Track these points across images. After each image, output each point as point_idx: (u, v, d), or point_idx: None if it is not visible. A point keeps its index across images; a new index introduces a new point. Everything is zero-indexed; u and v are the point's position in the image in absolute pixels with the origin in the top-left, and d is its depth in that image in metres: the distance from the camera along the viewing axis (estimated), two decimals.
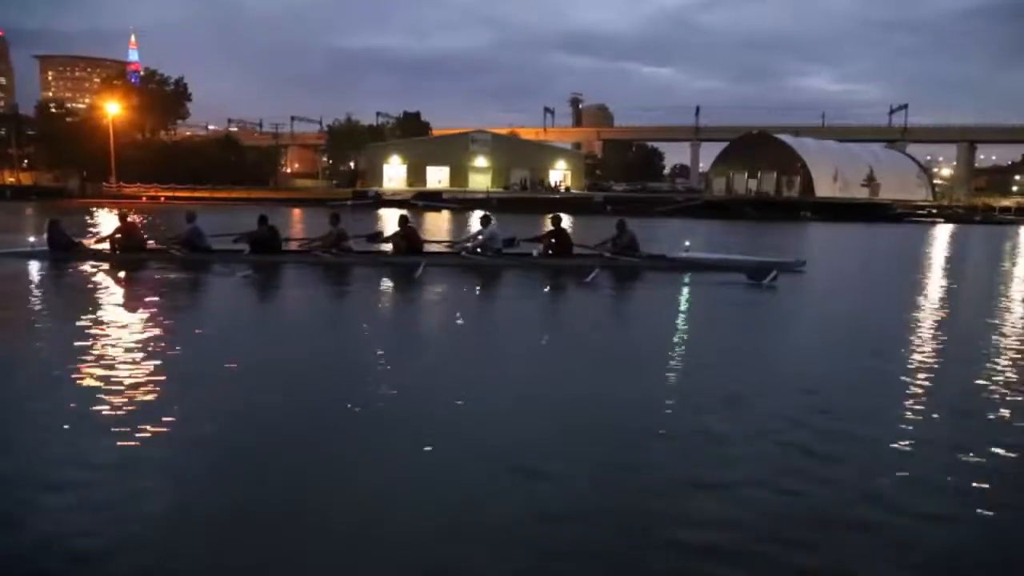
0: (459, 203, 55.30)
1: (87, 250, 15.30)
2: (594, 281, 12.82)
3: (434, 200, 57.71)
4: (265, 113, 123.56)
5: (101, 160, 68.21)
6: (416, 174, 78.26)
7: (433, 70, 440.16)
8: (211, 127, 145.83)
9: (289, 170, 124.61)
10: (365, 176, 79.94)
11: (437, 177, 78.50)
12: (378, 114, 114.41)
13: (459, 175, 78.49)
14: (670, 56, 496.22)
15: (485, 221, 15.66)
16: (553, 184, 77.34)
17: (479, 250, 15.08)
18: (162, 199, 60.37)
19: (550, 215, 15.72)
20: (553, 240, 14.94)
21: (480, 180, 77.56)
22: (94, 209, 41.79)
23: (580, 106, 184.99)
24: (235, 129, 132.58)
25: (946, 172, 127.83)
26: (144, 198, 61.02)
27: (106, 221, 29.78)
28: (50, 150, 71.46)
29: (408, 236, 15.15)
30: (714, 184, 79.24)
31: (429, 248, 15.52)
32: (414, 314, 10.57)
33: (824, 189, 68.90)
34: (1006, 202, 66.81)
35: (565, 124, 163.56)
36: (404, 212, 17.25)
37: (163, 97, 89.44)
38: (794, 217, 52.06)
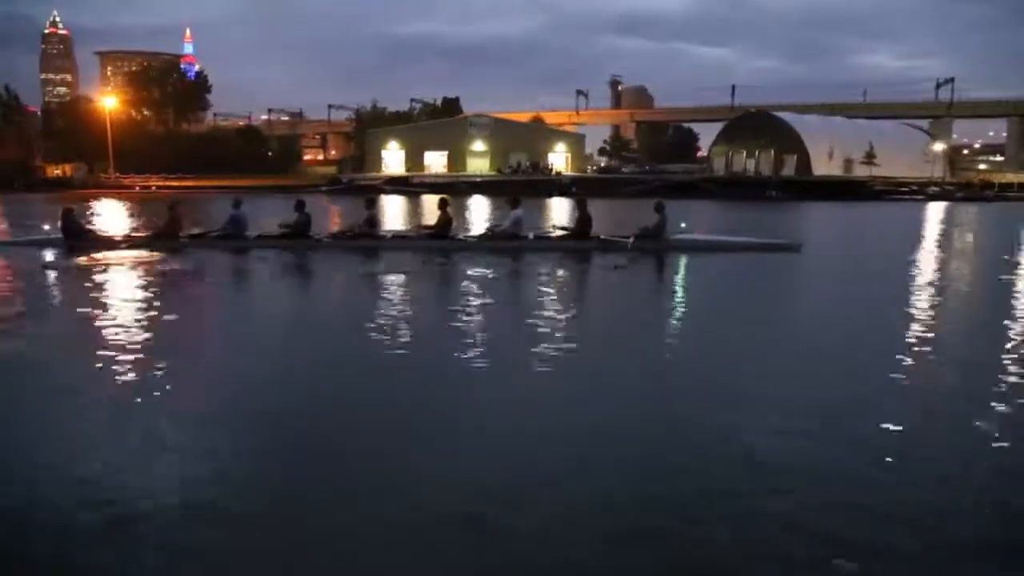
0: (427, 187, 55.72)
1: (99, 238, 15.75)
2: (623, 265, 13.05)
3: (402, 185, 58.36)
4: (316, 102, 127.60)
5: (104, 152, 70.91)
6: (414, 159, 79.00)
7: (483, 55, 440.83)
8: (253, 117, 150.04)
9: (323, 157, 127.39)
10: (365, 162, 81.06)
11: (435, 162, 79.11)
12: (412, 100, 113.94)
13: (458, 159, 78.98)
14: (724, 35, 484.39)
15: (514, 204, 15.77)
16: (544, 167, 76.88)
17: (505, 234, 15.39)
18: (152, 188, 62.54)
19: (576, 199, 16.47)
20: (577, 225, 15.46)
21: (478, 164, 77.85)
22: (91, 200, 43.47)
23: (619, 88, 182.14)
24: (267, 118, 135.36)
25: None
26: (137, 187, 63.36)
27: (101, 209, 32.08)
28: (63, 143, 74.70)
29: (443, 222, 15.51)
30: (715, 163, 77.64)
31: (459, 234, 15.91)
32: (441, 297, 10.81)
33: (822, 167, 66.87)
34: (1011, 177, 63.30)
35: (605, 106, 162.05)
36: (444, 196, 17.49)
37: (184, 89, 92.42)
38: (759, 196, 50.63)
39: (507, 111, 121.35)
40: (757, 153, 71.95)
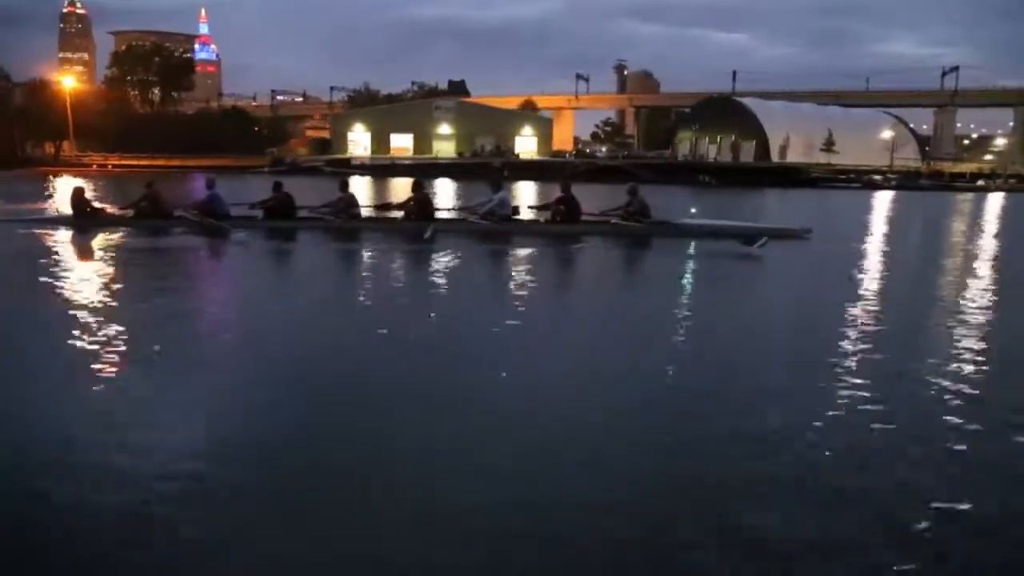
0: (367, 169, 56.16)
1: (109, 216, 15.63)
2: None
3: (342, 167, 58.84)
4: (332, 84, 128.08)
5: (83, 129, 72.46)
6: (379, 142, 79.36)
7: (500, 39, 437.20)
8: (258, 98, 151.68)
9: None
10: (332, 144, 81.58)
11: (401, 144, 79.39)
12: (412, 82, 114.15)
13: (423, 142, 79.15)
14: (742, 21, 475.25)
15: (495, 187, 15.53)
16: (505, 151, 76.74)
17: (488, 216, 15.01)
18: (108, 167, 63.75)
19: (560, 181, 16.09)
20: (562, 207, 14.90)
21: (444, 147, 77.94)
22: (51, 176, 44.75)
23: (625, 73, 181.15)
24: (270, 101, 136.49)
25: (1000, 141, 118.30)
26: (95, 166, 64.64)
27: (58, 187, 32.26)
28: (38, 121, 76.37)
29: (421, 202, 15.20)
30: (679, 148, 76.97)
31: (439, 214, 15.64)
32: (424, 278, 10.59)
33: (779, 154, 66.07)
34: (964, 168, 61.97)
35: (611, 91, 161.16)
36: (417, 179, 17.34)
37: (169, 69, 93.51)
38: (692, 182, 50.21)
39: (514, 95, 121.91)
40: (719, 139, 71.24)
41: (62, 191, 25.91)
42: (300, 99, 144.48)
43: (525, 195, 29.10)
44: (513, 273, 10.86)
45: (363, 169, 56.23)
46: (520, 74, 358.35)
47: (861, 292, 9.45)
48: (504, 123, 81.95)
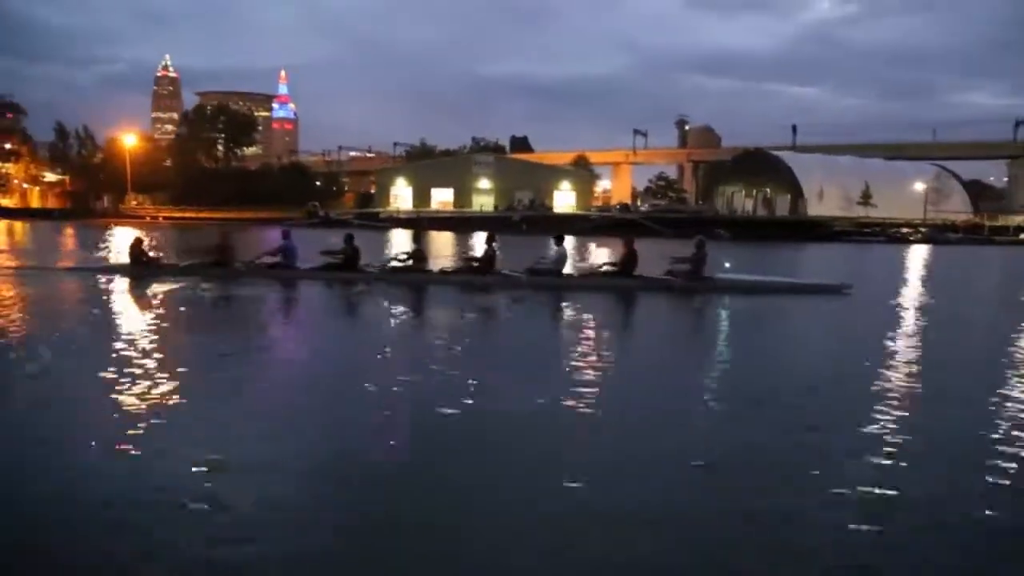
0: (394, 222, 57.84)
1: (165, 266, 16.15)
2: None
3: (371, 220, 60.75)
4: (401, 139, 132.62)
5: (146, 184, 77.23)
6: (421, 196, 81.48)
7: (570, 95, 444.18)
8: (328, 154, 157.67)
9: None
10: (375, 199, 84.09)
11: (442, 198, 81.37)
12: (473, 138, 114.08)
13: (463, 196, 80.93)
14: (815, 75, 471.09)
15: (558, 241, 15.64)
16: (540, 205, 77.64)
17: (545, 272, 15.21)
18: (160, 219, 67.49)
19: (623, 238, 16.34)
20: (625, 262, 15.10)
21: (484, 201, 79.50)
22: (110, 226, 48.94)
23: (686, 127, 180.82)
24: (336, 156, 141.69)
25: None
26: (147, 218, 68.53)
27: (117, 236, 35.46)
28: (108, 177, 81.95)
29: (490, 259, 15.38)
30: (716, 202, 76.50)
31: (501, 270, 15.56)
32: (497, 330, 10.91)
33: (815, 207, 65.00)
34: (1014, 220, 59.49)
35: (672, 146, 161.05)
36: (490, 233, 16.51)
37: (231, 127, 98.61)
38: (707, 235, 49.73)
39: (575, 149, 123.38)
40: (755, 192, 70.67)
41: (118, 241, 29.28)
42: (370, 154, 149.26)
43: (594, 251, 27.95)
44: (582, 333, 10.06)
45: (389, 222, 57.95)
46: (586, 129, 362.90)
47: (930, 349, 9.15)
48: (543, 178, 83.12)
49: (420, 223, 57.70)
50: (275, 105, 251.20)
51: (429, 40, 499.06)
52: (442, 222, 58.45)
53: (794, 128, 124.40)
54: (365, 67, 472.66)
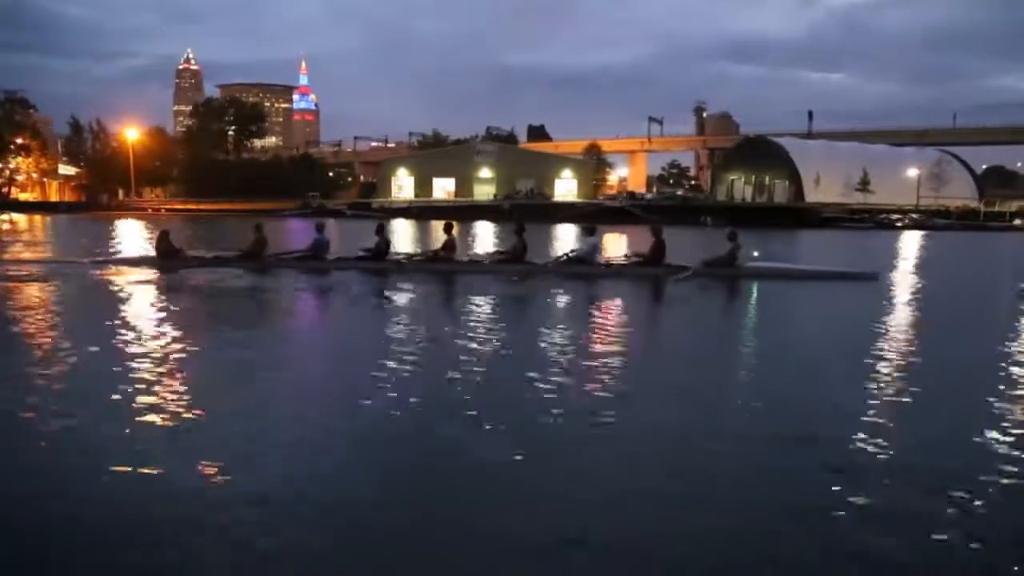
0: (384, 212, 58.11)
1: (190, 258, 16.10)
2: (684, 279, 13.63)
3: (362, 210, 61.20)
4: (420, 129, 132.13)
5: (149, 176, 78.35)
6: (422, 186, 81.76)
7: (591, 84, 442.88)
8: (344, 144, 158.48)
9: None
10: (377, 188, 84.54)
11: (443, 187, 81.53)
12: (488, 127, 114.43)
13: (464, 185, 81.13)
14: (840, 60, 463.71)
15: (589, 232, 15.82)
16: (539, 193, 77.59)
17: (578, 261, 15.23)
18: (161, 210, 68.44)
19: (651, 226, 16.34)
20: (651, 252, 15.07)
21: (485, 190, 79.60)
22: (116, 219, 49.03)
23: (704, 115, 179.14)
24: (352, 147, 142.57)
25: None
26: (149, 209, 69.49)
27: (123, 229, 35.24)
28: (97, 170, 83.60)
29: (523, 248, 15.46)
30: (718, 190, 75.94)
31: (530, 259, 15.51)
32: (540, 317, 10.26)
33: (814, 193, 64.29)
34: (1011, 207, 58.35)
35: (690, 133, 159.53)
36: (521, 223, 16.57)
37: (240, 119, 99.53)
38: (693, 222, 49.49)
39: (591, 138, 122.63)
40: (754, 179, 70.04)
41: (126, 232, 30.35)
42: (390, 144, 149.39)
43: (618, 242, 26.64)
44: (616, 320, 9.97)
45: (380, 212, 58.21)
46: (608, 118, 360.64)
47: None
48: (545, 167, 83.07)
49: (409, 212, 58.10)
50: (296, 96, 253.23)
51: (452, 30, 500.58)
52: (435, 211, 58.63)
53: (810, 114, 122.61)
54: (388, 57, 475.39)
